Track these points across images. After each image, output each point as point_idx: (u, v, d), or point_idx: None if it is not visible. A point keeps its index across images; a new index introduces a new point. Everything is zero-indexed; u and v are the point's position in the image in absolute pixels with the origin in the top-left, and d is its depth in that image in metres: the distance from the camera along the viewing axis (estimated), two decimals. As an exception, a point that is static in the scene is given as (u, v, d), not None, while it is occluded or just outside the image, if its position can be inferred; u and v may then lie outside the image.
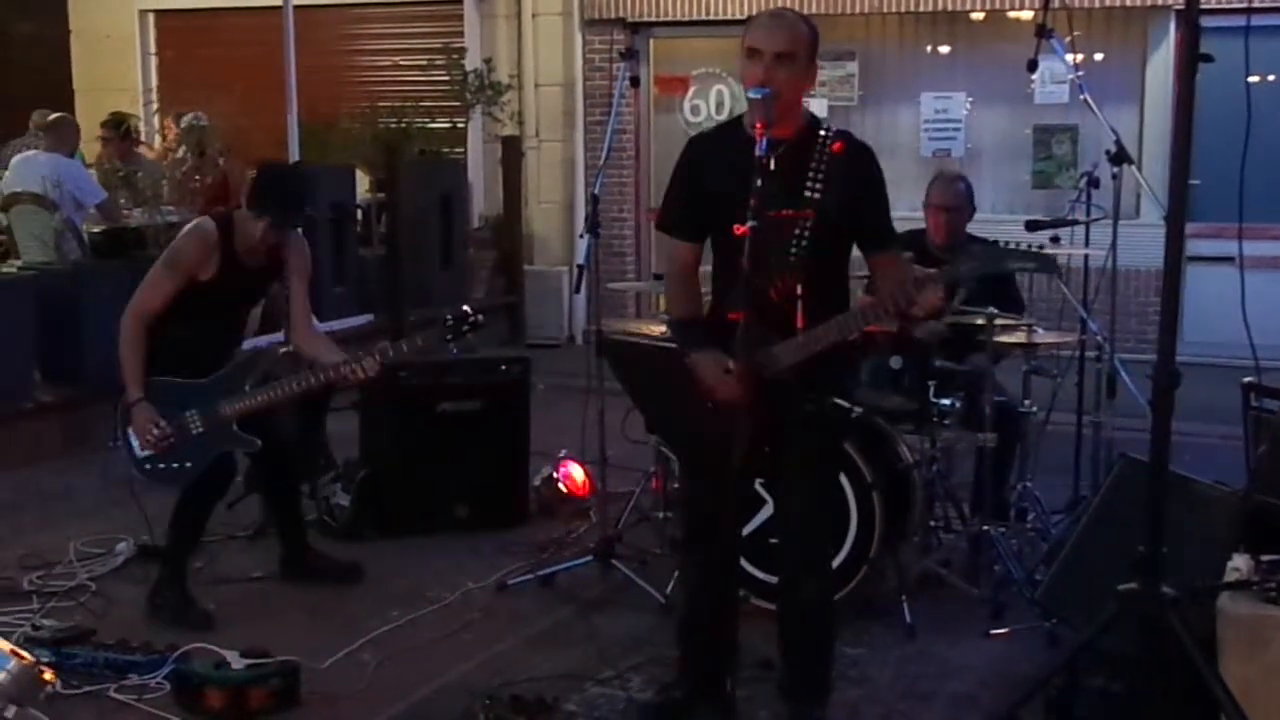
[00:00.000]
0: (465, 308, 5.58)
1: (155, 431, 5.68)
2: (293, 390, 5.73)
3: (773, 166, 4.08)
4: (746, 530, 5.41)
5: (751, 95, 4.19)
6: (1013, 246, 4.47)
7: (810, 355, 4.25)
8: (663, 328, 6.35)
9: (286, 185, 6.07)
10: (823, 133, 4.37)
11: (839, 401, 4.40)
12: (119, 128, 11.75)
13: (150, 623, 5.71)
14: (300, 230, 6.06)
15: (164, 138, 12.42)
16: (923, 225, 6.69)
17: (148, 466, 5.77)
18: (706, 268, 4.57)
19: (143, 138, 12.75)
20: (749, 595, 5.46)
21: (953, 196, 6.67)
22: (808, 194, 4.27)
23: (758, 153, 4.01)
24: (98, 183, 10.63)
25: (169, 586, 5.84)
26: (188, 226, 6.00)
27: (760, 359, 4.17)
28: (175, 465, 5.74)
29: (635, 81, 6.91)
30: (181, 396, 5.74)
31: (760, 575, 5.47)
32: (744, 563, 5.38)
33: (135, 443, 5.75)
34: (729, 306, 4.25)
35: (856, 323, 4.32)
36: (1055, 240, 6.66)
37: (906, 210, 7.08)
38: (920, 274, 4.31)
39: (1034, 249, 4.37)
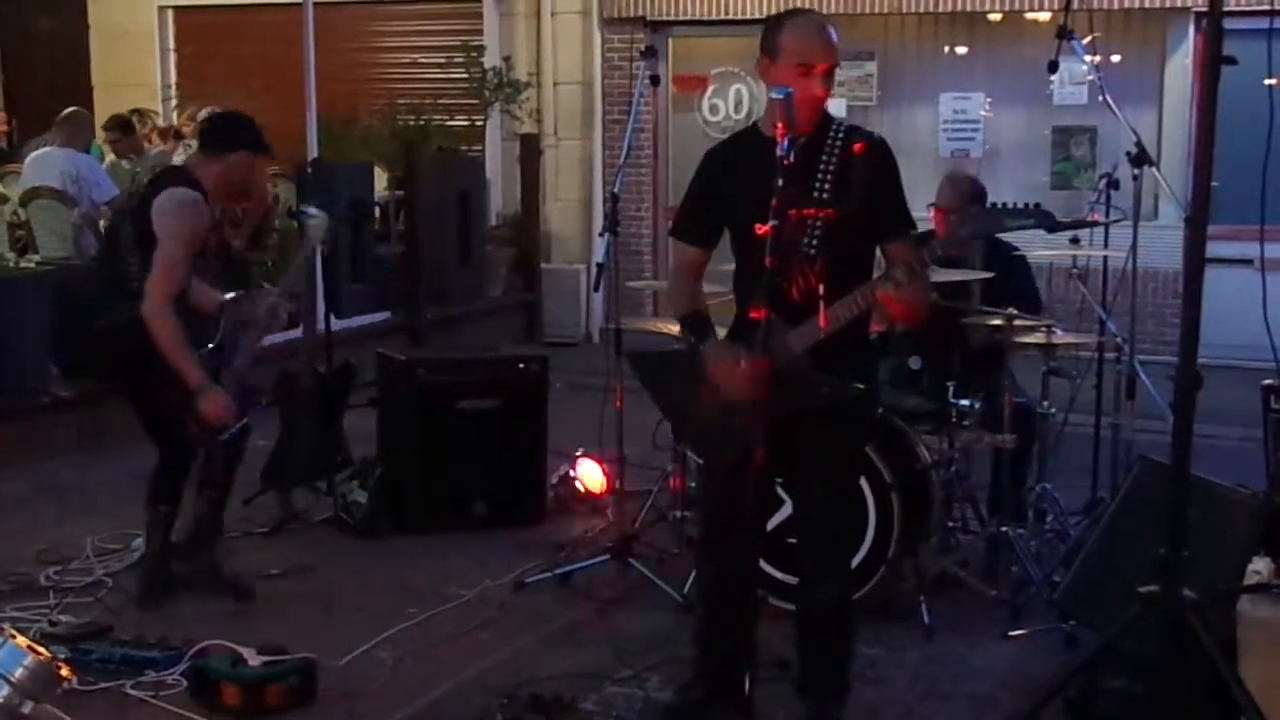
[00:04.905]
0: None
1: (229, 409, 5.70)
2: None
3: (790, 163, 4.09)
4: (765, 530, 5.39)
5: (774, 95, 4.15)
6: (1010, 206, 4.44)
7: (823, 341, 4.24)
8: (679, 326, 6.36)
9: (240, 118, 6.14)
10: (834, 128, 4.39)
11: (859, 385, 4.38)
12: (124, 128, 11.79)
13: (188, 597, 5.84)
14: None
15: (180, 134, 12.49)
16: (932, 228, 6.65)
17: (225, 438, 5.82)
18: (727, 267, 4.62)
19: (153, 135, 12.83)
20: (767, 595, 5.45)
21: (954, 198, 6.59)
22: (821, 190, 4.29)
23: (779, 153, 4.00)
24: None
25: (204, 563, 5.99)
26: (175, 204, 5.60)
27: (775, 348, 4.17)
28: (244, 427, 5.91)
29: (656, 80, 6.91)
30: (213, 363, 5.78)
31: (779, 575, 5.46)
32: (762, 563, 5.37)
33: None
34: (752, 305, 4.25)
35: (863, 297, 4.30)
36: (1075, 241, 6.65)
37: (922, 211, 7.05)
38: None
39: (1030, 206, 4.35)
